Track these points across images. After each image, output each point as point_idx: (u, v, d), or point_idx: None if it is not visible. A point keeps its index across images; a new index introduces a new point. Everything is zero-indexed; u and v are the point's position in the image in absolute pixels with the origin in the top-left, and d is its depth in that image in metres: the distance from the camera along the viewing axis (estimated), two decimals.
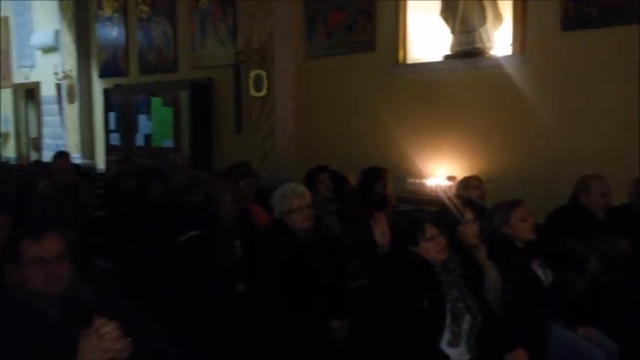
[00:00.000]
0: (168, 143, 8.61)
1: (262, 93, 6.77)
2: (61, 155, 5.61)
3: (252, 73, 6.81)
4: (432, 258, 2.53)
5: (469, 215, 2.84)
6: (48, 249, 1.85)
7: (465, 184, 3.98)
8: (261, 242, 3.21)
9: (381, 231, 2.62)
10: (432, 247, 2.52)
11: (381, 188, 4.54)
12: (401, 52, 5.70)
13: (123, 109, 9.27)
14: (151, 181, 4.51)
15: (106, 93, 9.55)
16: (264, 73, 6.69)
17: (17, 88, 12.49)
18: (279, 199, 3.08)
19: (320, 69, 6.50)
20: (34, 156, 11.96)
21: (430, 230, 2.54)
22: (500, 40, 5.15)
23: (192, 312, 3.31)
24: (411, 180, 5.56)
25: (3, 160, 11.48)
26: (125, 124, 9.25)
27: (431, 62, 5.56)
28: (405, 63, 5.71)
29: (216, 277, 3.46)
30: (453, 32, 5.37)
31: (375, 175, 4.53)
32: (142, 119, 9.02)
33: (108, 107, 9.51)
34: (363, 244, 3.41)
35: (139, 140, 9.06)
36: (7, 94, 12.75)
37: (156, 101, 8.72)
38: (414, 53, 5.73)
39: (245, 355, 3.29)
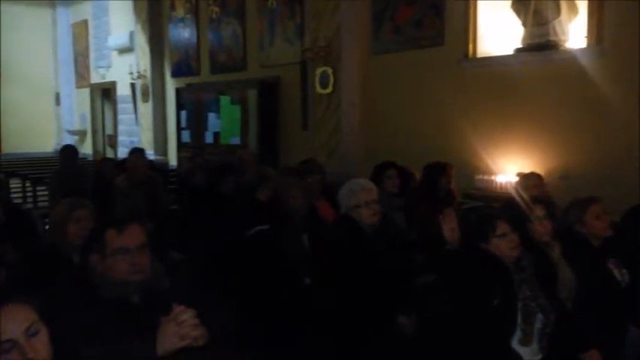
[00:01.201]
0: (236, 140, 8.81)
1: (328, 90, 6.81)
2: (137, 152, 5.85)
3: (319, 71, 6.86)
4: (503, 255, 2.49)
5: (540, 212, 2.77)
6: (131, 239, 1.94)
7: (525, 182, 3.80)
8: (329, 237, 3.25)
9: (449, 227, 2.60)
10: (504, 244, 2.48)
11: (445, 184, 4.46)
12: (471, 46, 5.58)
13: (193, 107, 9.56)
14: (223, 176, 4.63)
15: (178, 92, 9.86)
16: (330, 70, 6.73)
17: (94, 88, 13.06)
18: (347, 195, 3.10)
19: (386, 65, 6.47)
20: (109, 152, 12.51)
21: (502, 227, 2.50)
22: (574, 32, 4.97)
23: (260, 305, 3.38)
24: (480, 176, 5.45)
25: (80, 156, 12.04)
26: (195, 122, 9.53)
27: (501, 56, 5.42)
28: (475, 57, 5.59)
29: (283, 271, 3.52)
30: (524, 25, 5.22)
31: (438, 170, 4.45)
32: (212, 117, 9.26)
33: (179, 106, 9.82)
34: (428, 240, 3.41)
35: (208, 137, 9.32)
36: (85, 93, 13.37)
37: (224, 99, 8.94)
38: (484, 47, 5.60)
39: (311, 348, 3.35)
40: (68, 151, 6.57)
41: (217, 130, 9.17)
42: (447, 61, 5.77)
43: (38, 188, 7.69)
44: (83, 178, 6.22)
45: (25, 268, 2.57)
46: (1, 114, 13.29)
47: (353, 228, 3.03)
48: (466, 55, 5.64)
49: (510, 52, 5.36)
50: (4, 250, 2.83)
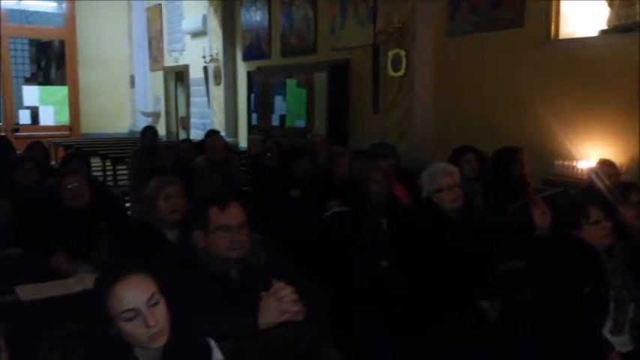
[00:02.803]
0: (301, 123, 8.90)
1: (401, 73, 6.75)
2: (214, 133, 6.03)
3: (391, 53, 6.81)
4: (595, 243, 2.43)
5: (635, 197, 2.68)
6: (232, 217, 2.02)
7: (599, 172, 3.63)
8: (410, 220, 3.25)
9: (540, 212, 2.55)
10: (597, 231, 2.42)
11: (518, 169, 4.37)
12: (553, 27, 5.39)
13: (261, 90, 9.71)
14: (296, 158, 4.70)
15: (249, 75, 10.02)
16: (403, 53, 6.67)
17: (168, 71, 13.41)
18: (429, 178, 3.09)
19: (462, 47, 6.35)
20: (182, 134, 12.87)
21: (595, 214, 2.44)
22: None
23: (338, 286, 3.44)
24: (559, 162, 5.30)
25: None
26: (262, 105, 9.68)
27: (586, 37, 5.21)
28: (557, 39, 5.40)
29: (363, 253, 3.56)
30: (610, 5, 5.00)
31: (508, 156, 4.35)
32: (278, 100, 9.39)
33: (250, 89, 9.99)
34: (507, 225, 3.37)
35: (275, 120, 9.46)
36: (159, 76, 13.76)
37: (290, 83, 9.02)
38: (566, 28, 5.40)
39: (387, 330, 3.39)
40: (149, 131, 6.84)
41: (283, 112, 9.29)
42: (527, 43, 5.60)
43: (118, 167, 8.03)
44: (162, 158, 6.48)
45: (119, 242, 2.72)
46: (79, 96, 13.92)
47: (435, 212, 3.02)
48: (548, 36, 5.45)
49: (595, 33, 5.16)
50: (98, 226, 2.99)
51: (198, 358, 1.57)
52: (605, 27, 5.06)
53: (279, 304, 1.83)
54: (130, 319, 1.45)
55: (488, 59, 6.03)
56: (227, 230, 2.00)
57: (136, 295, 1.46)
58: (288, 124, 9.21)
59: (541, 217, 2.55)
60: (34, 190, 4.01)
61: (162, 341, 1.47)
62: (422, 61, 6.60)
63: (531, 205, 2.59)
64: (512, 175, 4.26)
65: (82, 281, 2.30)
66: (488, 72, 6.05)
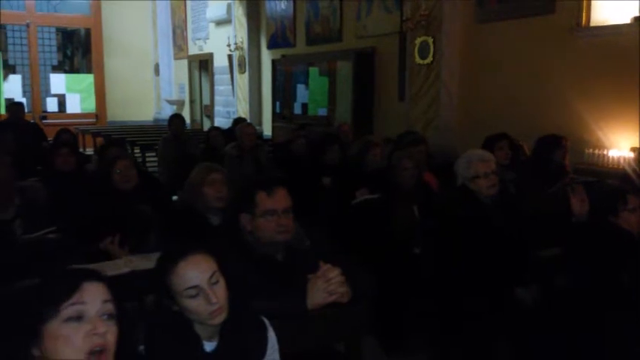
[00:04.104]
0: (323, 112, 8.92)
1: (428, 60, 6.74)
2: (242, 121, 6.10)
3: (418, 40, 6.80)
4: (633, 230, 2.44)
5: None
6: (279, 202, 2.07)
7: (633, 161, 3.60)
8: (443, 208, 3.28)
9: (579, 199, 2.56)
10: (635, 218, 2.44)
11: (559, 158, 4.37)
12: (584, 14, 5.34)
13: (284, 78, 9.75)
14: (329, 146, 4.75)
15: (274, 63, 10.06)
16: (430, 40, 6.65)
17: (192, 59, 13.51)
18: (465, 165, 3.11)
19: (490, 34, 6.31)
20: (206, 122, 12.97)
21: (633, 201, 2.45)
22: None
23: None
24: (590, 151, 5.27)
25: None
26: (285, 93, 9.73)
27: (618, 25, 5.16)
28: (588, 26, 5.35)
29: (395, 240, 3.60)
30: None
31: (554, 143, 4.35)
32: (300, 88, 9.43)
33: (274, 77, 10.04)
34: (542, 212, 3.37)
35: (297, 108, 9.50)
36: (183, 64, 13.87)
37: (313, 71, 9.04)
38: (598, 15, 5.35)
39: (423, 317, 3.43)
40: (177, 119, 6.93)
41: (305, 101, 9.33)
42: (558, 30, 5.55)
43: (147, 154, 8.16)
44: (190, 145, 6.57)
45: (166, 226, 2.80)
46: (105, 84, 14.09)
47: (470, 199, 3.05)
48: (579, 23, 5.40)
49: (627, 20, 5.10)
50: (144, 209, 3.07)
51: (254, 335, 1.63)
52: (637, 14, 5.00)
53: (327, 286, 1.88)
54: (193, 296, 1.51)
55: (517, 47, 6.00)
56: (274, 214, 2.05)
57: (198, 273, 1.52)
58: (310, 112, 9.25)
59: (579, 204, 2.57)
60: (72, 176, 4.11)
61: (222, 318, 1.54)
62: (450, 48, 6.58)
63: (569, 191, 2.60)
64: (552, 162, 4.25)
65: (131, 263, 2.37)
66: (517, 60, 6.02)
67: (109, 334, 1.23)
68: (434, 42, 6.60)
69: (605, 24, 5.29)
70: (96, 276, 1.29)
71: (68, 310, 1.21)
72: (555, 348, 2.47)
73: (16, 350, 1.19)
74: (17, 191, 2.97)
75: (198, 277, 1.52)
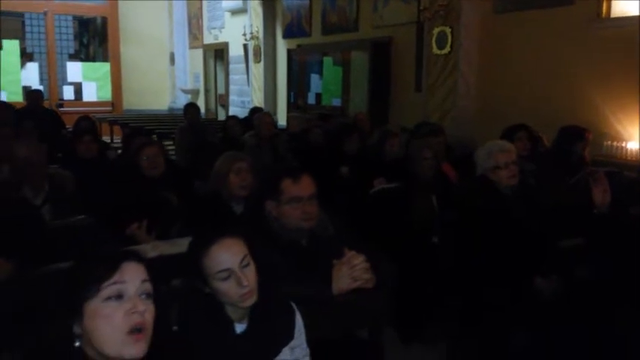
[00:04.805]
0: (337, 102, 8.92)
1: (445, 50, 6.72)
2: (259, 110, 6.12)
3: (436, 30, 6.78)
4: None
5: None
6: (304, 189, 2.10)
7: None
8: (462, 198, 3.29)
9: (601, 190, 2.56)
10: None
11: (580, 149, 4.35)
12: (604, 5, 5.30)
13: (298, 68, 9.75)
14: (348, 136, 4.76)
15: (289, 53, 10.06)
16: (448, 30, 6.63)
17: (207, 49, 13.54)
18: (485, 156, 3.11)
19: (508, 25, 6.28)
20: (220, 111, 13.02)
21: None
22: None
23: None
24: (608, 143, 5.24)
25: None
26: (300, 83, 9.73)
27: (638, 16, 5.11)
28: (608, 17, 5.31)
29: (413, 230, 3.62)
30: None
31: (576, 135, 4.33)
32: (314, 78, 9.43)
33: (290, 67, 10.04)
34: (562, 202, 3.37)
35: (311, 98, 9.51)
36: (199, 53, 13.91)
37: (327, 61, 9.03)
38: (618, 6, 5.30)
39: (441, 307, 3.45)
40: (192, 108, 6.98)
41: (319, 91, 9.33)
42: (577, 21, 5.52)
43: (164, 142, 8.21)
44: (206, 134, 6.62)
45: (192, 212, 2.84)
46: (122, 73, 14.17)
47: (490, 190, 3.05)
48: (599, 14, 5.36)
49: None
50: (170, 196, 3.12)
51: (283, 318, 1.67)
52: None
53: (352, 272, 1.91)
54: (225, 279, 1.54)
55: (536, 37, 5.96)
56: (299, 201, 2.08)
57: (230, 257, 1.56)
58: (324, 102, 9.26)
59: (601, 195, 2.56)
60: (94, 163, 4.17)
61: (252, 300, 1.57)
62: (468, 38, 6.56)
63: (591, 182, 2.60)
64: (573, 153, 4.23)
65: (157, 248, 2.42)
66: (535, 51, 5.99)
67: (147, 312, 1.25)
68: (452, 32, 6.59)
69: (626, 15, 5.25)
70: (135, 256, 1.32)
71: (108, 289, 1.23)
72: (575, 340, 2.49)
73: (59, 329, 1.22)
74: (46, 178, 3.03)
75: (230, 260, 1.55)
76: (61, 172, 3.26)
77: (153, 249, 2.38)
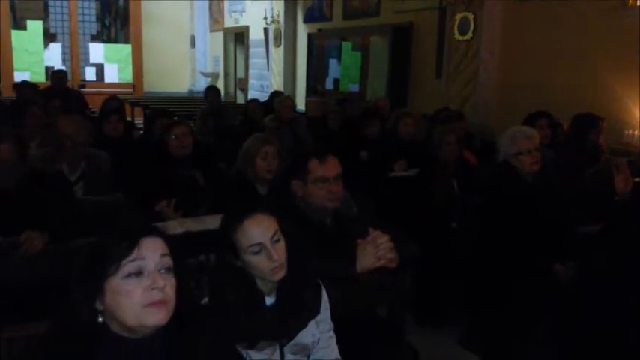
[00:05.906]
0: (355, 87, 8.91)
1: (467, 36, 6.70)
2: (280, 94, 6.17)
3: (459, 16, 6.76)
4: None
5: None
6: (330, 170, 2.16)
7: None
8: (485, 183, 3.32)
9: (623, 177, 2.58)
10: None
11: (594, 137, 4.35)
12: None
13: (318, 53, 9.75)
14: (369, 120, 4.80)
15: (309, 37, 10.06)
16: (471, 16, 6.60)
17: (227, 32, 13.55)
18: (508, 142, 3.12)
19: (533, 12, 6.23)
20: (239, 95, 13.07)
21: None
22: None
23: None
24: (629, 132, 5.22)
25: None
26: (318, 68, 9.73)
27: None
28: (634, 4, 5.25)
29: (433, 214, 3.66)
30: None
31: (589, 122, 4.33)
32: (333, 63, 9.42)
33: (310, 51, 10.05)
34: (582, 189, 3.39)
35: (329, 84, 9.51)
36: (219, 37, 13.94)
37: (346, 46, 9.00)
38: None
39: (458, 291, 3.50)
40: (213, 91, 7.04)
41: (337, 76, 9.32)
42: (601, 8, 5.47)
43: None
44: (227, 116, 6.68)
45: (220, 190, 2.91)
46: (143, 55, 14.27)
47: (512, 176, 3.07)
48: (624, 2, 5.31)
49: None
50: (197, 174, 3.20)
51: (310, 293, 1.73)
52: None
53: (376, 251, 1.96)
54: (256, 253, 1.61)
55: (560, 25, 5.91)
56: (325, 182, 2.14)
57: (262, 231, 1.62)
58: (342, 87, 9.26)
59: (623, 183, 2.58)
60: (120, 142, 4.25)
61: (281, 274, 1.63)
62: (490, 25, 6.53)
63: (613, 170, 2.62)
64: (586, 141, 4.24)
65: (184, 224, 2.49)
66: (558, 38, 5.94)
67: (167, 287, 1.27)
68: (474, 18, 6.56)
69: None
70: (153, 230, 1.33)
71: (128, 266, 1.24)
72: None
73: (81, 304, 1.25)
74: (84, 158, 3.12)
75: (261, 235, 1.61)
76: (98, 153, 3.34)
77: (180, 225, 2.46)
